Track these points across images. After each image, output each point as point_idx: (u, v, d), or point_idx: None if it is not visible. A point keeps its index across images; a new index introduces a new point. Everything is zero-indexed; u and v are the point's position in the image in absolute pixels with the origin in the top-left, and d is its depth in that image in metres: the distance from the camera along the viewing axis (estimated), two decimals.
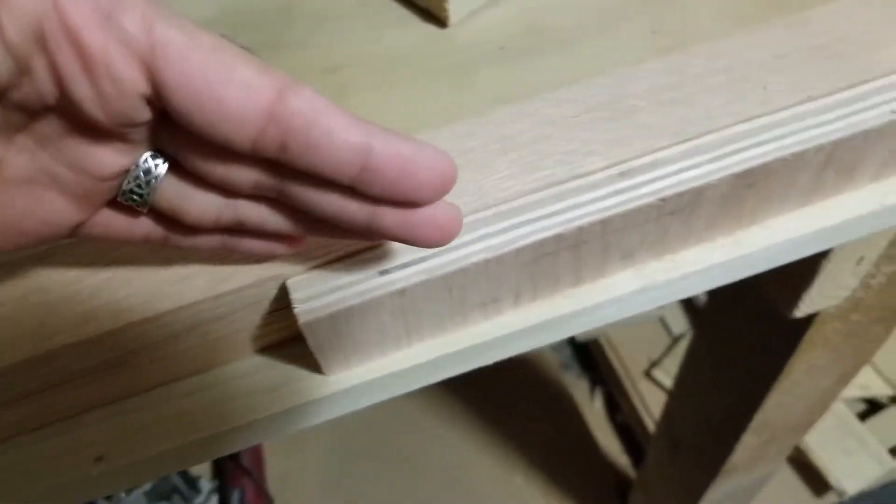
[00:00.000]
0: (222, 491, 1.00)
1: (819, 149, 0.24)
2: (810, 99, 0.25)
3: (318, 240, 0.23)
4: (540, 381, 1.09)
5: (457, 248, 0.23)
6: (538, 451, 1.02)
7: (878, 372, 0.99)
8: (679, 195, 0.24)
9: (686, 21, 0.33)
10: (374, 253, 0.23)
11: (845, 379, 0.57)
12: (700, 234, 0.26)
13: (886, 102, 0.25)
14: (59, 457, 0.24)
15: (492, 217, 0.24)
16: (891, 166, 0.27)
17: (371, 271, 0.23)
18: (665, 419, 0.74)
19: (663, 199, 0.24)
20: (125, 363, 0.24)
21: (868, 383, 0.99)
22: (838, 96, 0.25)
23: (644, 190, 0.24)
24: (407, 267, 0.23)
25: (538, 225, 0.23)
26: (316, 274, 0.23)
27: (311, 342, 0.23)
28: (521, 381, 1.08)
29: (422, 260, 0.23)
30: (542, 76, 0.32)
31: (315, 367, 0.25)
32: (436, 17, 0.35)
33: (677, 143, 0.24)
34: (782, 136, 0.24)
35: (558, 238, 0.23)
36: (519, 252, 0.23)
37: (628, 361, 1.07)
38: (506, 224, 0.23)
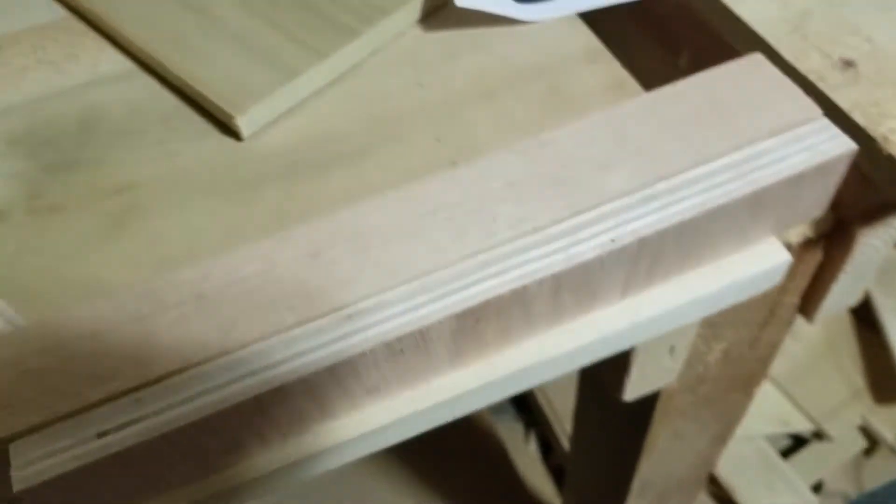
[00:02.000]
0: None
1: (541, 282, 0.25)
2: (535, 230, 0.25)
3: (42, 396, 0.23)
4: (469, 428, 1.09)
5: (181, 405, 0.23)
6: (469, 499, 1.02)
7: (799, 407, 1.00)
8: (401, 338, 0.24)
9: (467, 130, 0.34)
10: (96, 412, 0.23)
11: (722, 439, 0.58)
12: (450, 363, 0.27)
13: (606, 231, 0.25)
14: None
15: (217, 368, 0.24)
16: (635, 286, 0.28)
17: (89, 432, 0.23)
18: (568, 477, 0.74)
19: (387, 343, 0.24)
20: None
21: (789, 419, 1.00)
22: (559, 227, 0.26)
23: (367, 334, 0.24)
24: (126, 427, 0.23)
25: (252, 381, 0.23)
26: (39, 436, 0.23)
27: None
28: (449, 429, 1.07)
29: (142, 419, 0.23)
30: (329, 191, 0.33)
31: None
32: (232, 131, 0.35)
33: (402, 284, 0.25)
34: (503, 272, 0.25)
35: (279, 391, 0.24)
36: (238, 408, 0.23)
37: (557, 403, 1.07)
38: (226, 378, 0.23)
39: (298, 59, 0.37)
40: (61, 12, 0.44)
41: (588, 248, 0.25)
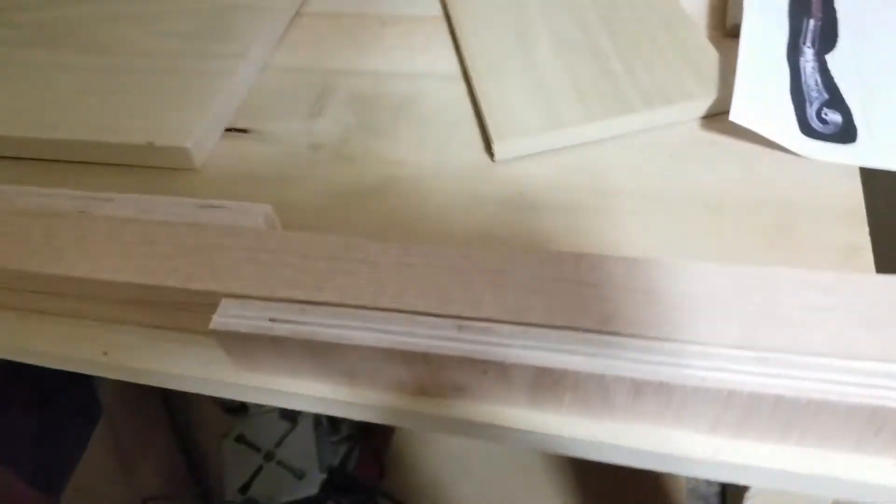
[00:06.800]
0: (352, 441, 1.16)
1: (618, 379, 0.28)
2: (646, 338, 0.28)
3: (258, 281, 0.33)
4: None
5: (322, 325, 0.31)
6: None
7: None
8: (487, 361, 0.29)
9: (680, 228, 0.37)
10: (275, 305, 0.32)
11: None
12: (526, 403, 0.31)
13: (701, 369, 0.27)
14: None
15: (359, 315, 0.31)
16: (724, 430, 0.29)
17: (265, 314, 0.32)
18: None
19: (472, 360, 0.29)
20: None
21: None
22: (664, 344, 0.28)
23: (464, 345, 0.30)
24: (286, 323, 0.32)
25: (378, 335, 0.31)
26: (238, 303, 0.33)
27: (220, 344, 0.33)
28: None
29: (299, 322, 0.32)
30: (531, 226, 0.38)
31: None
32: (490, 152, 0.42)
33: (511, 324, 0.30)
34: (592, 354, 0.28)
35: (389, 352, 0.30)
36: (355, 348, 0.31)
37: None
38: (358, 324, 0.31)
39: (571, 114, 0.42)
40: (437, 11, 0.55)
41: (673, 373, 0.27)
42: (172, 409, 1.28)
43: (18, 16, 0.57)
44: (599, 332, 0.29)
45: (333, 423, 1.18)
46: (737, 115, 0.40)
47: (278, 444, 1.16)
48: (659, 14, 0.48)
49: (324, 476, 1.13)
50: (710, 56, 0.45)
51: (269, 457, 1.15)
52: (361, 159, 0.44)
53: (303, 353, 0.32)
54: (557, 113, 0.43)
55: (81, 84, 0.49)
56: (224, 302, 0.33)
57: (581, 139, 0.42)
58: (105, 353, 0.37)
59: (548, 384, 0.29)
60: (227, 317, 0.32)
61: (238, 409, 1.18)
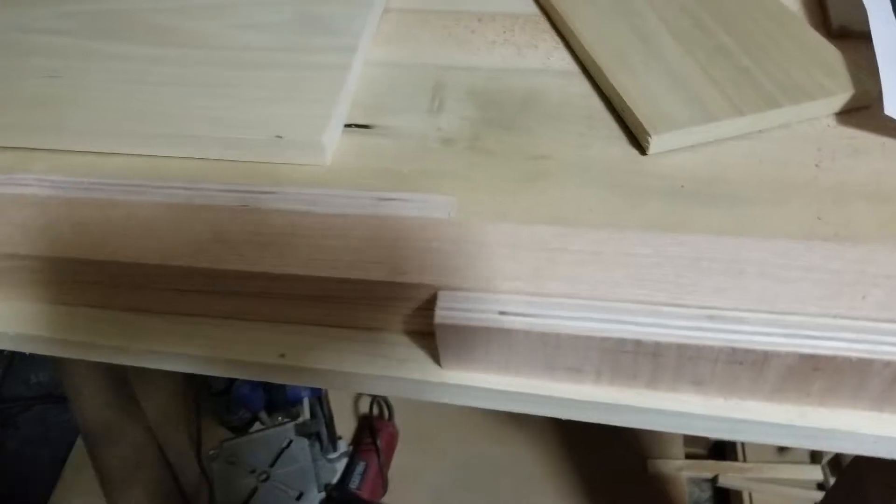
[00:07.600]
0: (352, 457, 1.12)
1: (886, 364, 0.28)
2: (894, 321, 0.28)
3: (472, 273, 0.32)
4: None
5: (559, 318, 0.30)
6: None
7: None
8: (747, 351, 0.28)
9: (850, 219, 0.37)
10: (502, 297, 0.31)
11: None
12: (768, 394, 0.30)
13: None
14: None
15: (597, 307, 0.30)
16: None
17: (495, 307, 0.31)
18: None
19: (733, 349, 0.29)
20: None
21: None
22: None
23: (721, 335, 0.29)
24: (518, 316, 0.30)
25: (625, 326, 0.29)
26: (461, 294, 0.31)
27: (438, 340, 0.31)
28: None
29: (531, 315, 0.30)
30: (702, 222, 0.38)
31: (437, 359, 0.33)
32: (639, 145, 0.42)
33: (762, 312, 0.29)
34: (857, 340, 0.28)
35: (637, 343, 0.29)
36: (603, 340, 0.30)
37: None
38: (602, 316, 0.30)
39: (719, 108, 0.42)
40: (534, 9, 0.54)
41: None
42: (159, 428, 1.22)
43: (67, 6, 0.53)
44: (859, 317, 0.29)
45: (332, 439, 1.14)
46: (892, 110, 0.41)
47: (273, 464, 1.11)
48: (766, 12, 0.49)
49: (323, 495, 1.09)
50: (833, 54, 0.46)
51: (263, 477, 1.10)
52: (502, 153, 0.43)
53: (532, 348, 0.31)
54: (705, 107, 0.42)
55: (180, 80, 0.46)
56: (442, 295, 0.31)
57: (730, 133, 0.42)
58: (282, 356, 0.34)
59: (803, 373, 0.29)
60: (451, 310, 0.31)
61: (242, 427, 1.13)
